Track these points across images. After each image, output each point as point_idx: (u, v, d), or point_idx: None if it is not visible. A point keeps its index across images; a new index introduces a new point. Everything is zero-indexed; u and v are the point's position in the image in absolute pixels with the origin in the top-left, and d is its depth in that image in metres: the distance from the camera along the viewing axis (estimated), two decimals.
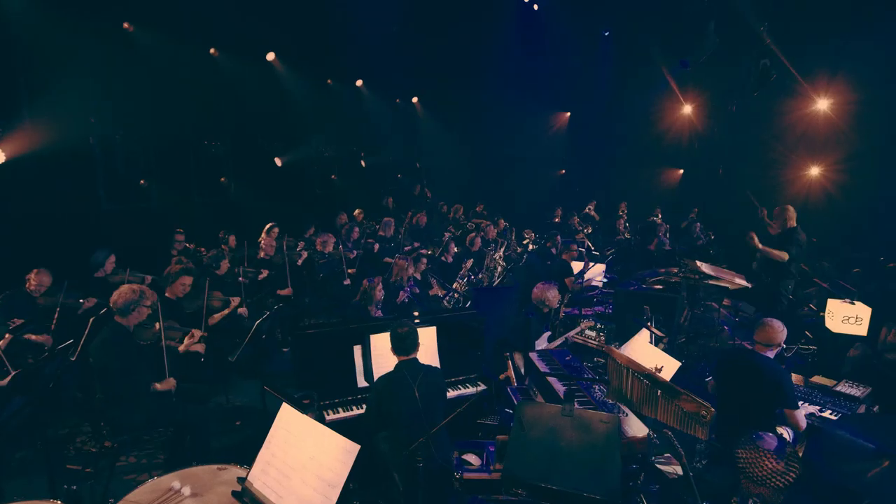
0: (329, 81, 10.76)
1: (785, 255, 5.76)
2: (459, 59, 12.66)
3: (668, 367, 3.36)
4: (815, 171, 10.09)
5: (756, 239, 5.91)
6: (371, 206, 10.95)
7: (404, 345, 3.41)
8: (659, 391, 2.42)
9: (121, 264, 6.03)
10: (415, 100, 13.61)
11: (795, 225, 5.61)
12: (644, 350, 3.59)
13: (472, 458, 2.95)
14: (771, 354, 3.51)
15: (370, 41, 10.64)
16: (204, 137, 8.42)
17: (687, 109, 13.33)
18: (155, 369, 3.83)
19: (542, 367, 3.72)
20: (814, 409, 3.85)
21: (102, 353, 3.58)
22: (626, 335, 4.98)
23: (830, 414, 3.77)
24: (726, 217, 11.17)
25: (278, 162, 9.79)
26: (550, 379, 3.45)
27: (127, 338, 3.70)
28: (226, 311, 5.19)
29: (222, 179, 8.76)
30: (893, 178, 8.41)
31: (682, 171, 14.38)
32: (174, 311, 4.68)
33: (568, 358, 4.27)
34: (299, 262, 6.74)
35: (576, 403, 3.56)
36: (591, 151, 14.35)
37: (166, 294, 4.78)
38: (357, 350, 4.12)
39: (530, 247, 9.59)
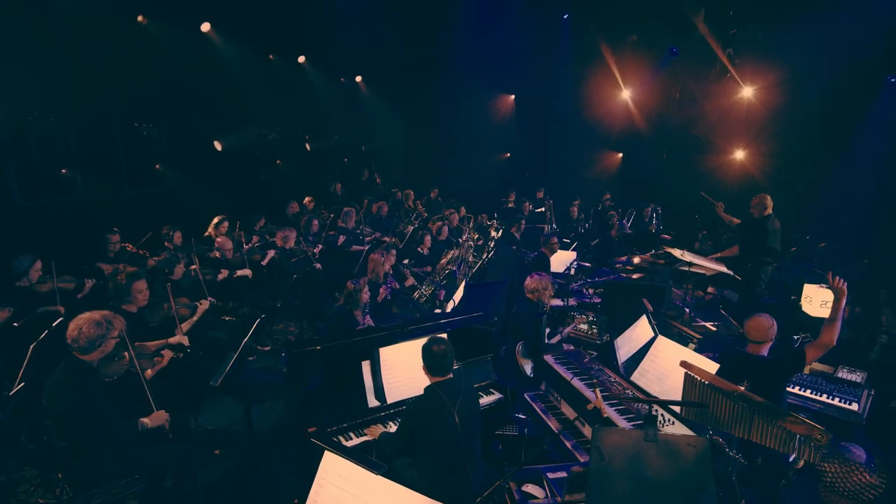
0: (271, 57, 9.82)
1: (736, 220, 6.46)
2: (406, 37, 12.11)
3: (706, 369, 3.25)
4: (749, 155, 10.69)
5: (722, 208, 6.64)
6: (319, 193, 10.28)
7: (442, 364, 3.06)
8: (756, 412, 2.28)
9: (47, 269, 5.11)
10: (358, 79, 12.86)
11: (771, 213, 5.81)
12: (680, 355, 3.48)
13: (534, 490, 2.69)
14: (765, 350, 3.50)
15: (312, 14, 9.82)
16: (133, 118, 7.32)
17: (626, 94, 13.66)
18: (132, 405, 3.20)
19: (586, 391, 3.49)
20: (822, 397, 3.98)
21: (60, 398, 2.89)
22: (618, 327, 4.95)
23: (840, 402, 3.90)
24: (671, 200, 11.62)
25: (218, 146, 8.82)
26: (610, 407, 3.22)
27: (89, 377, 3.01)
28: (195, 319, 4.53)
29: (157, 167, 7.72)
30: (822, 163, 9.07)
31: (621, 155, 14.76)
32: (137, 326, 3.98)
33: (586, 360, 4.12)
34: (264, 261, 6.08)
35: (614, 411, 3.42)
36: (537, 135, 14.36)
37: (123, 308, 4.05)
38: (365, 366, 3.70)
39: (492, 234, 9.41)
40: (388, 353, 3.72)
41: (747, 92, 9.73)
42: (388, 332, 3.95)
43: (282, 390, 5.17)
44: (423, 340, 3.82)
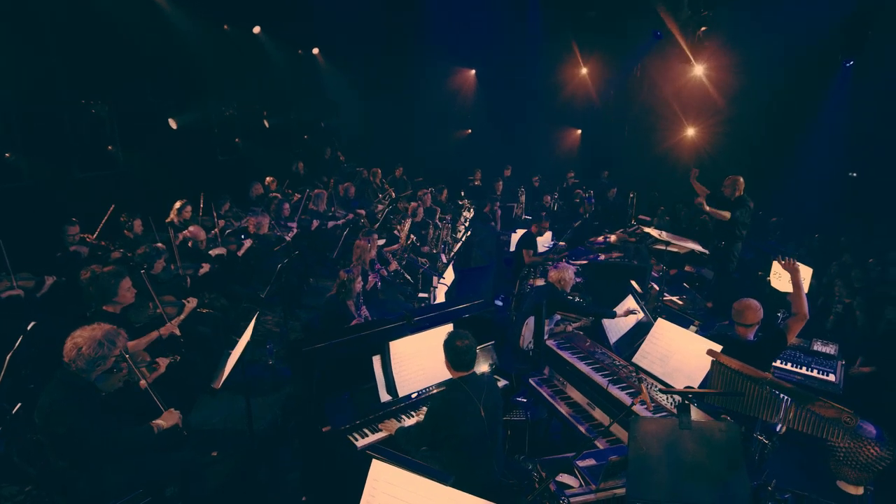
0: (226, 27, 9.18)
1: (706, 190, 6.55)
2: (364, 6, 11.63)
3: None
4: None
5: (696, 174, 6.69)
6: (280, 173, 9.86)
7: (465, 359, 3.03)
8: (786, 397, 2.41)
9: (1, 265, 4.68)
10: (315, 51, 12.28)
11: (743, 194, 6.08)
12: (687, 339, 3.62)
13: (568, 480, 2.75)
14: (751, 334, 3.67)
15: None
16: (81, 95, 6.67)
17: (584, 70, 13.79)
18: (135, 414, 3.00)
19: (606, 384, 3.55)
20: (802, 370, 4.27)
21: (59, 419, 2.66)
22: (605, 306, 5.11)
23: (818, 373, 4.21)
24: (631, 175, 11.96)
25: (173, 124, 8.23)
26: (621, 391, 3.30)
27: (88, 394, 2.79)
28: (181, 318, 4.29)
29: (109, 147, 7.11)
30: (778, 143, 9.58)
31: (580, 132, 14.97)
32: (122, 328, 3.70)
33: (587, 344, 4.21)
34: (240, 252, 5.80)
35: (626, 395, 3.54)
36: (499, 111, 14.30)
37: (105, 309, 3.76)
38: (376, 361, 3.63)
39: (465, 214, 9.37)
40: (398, 347, 3.67)
41: (708, 73, 10.05)
42: (396, 324, 3.88)
43: (271, 384, 5.03)
44: (432, 332, 3.83)
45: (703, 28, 7.81)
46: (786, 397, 2.42)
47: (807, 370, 4.24)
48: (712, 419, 2.93)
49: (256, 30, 10.16)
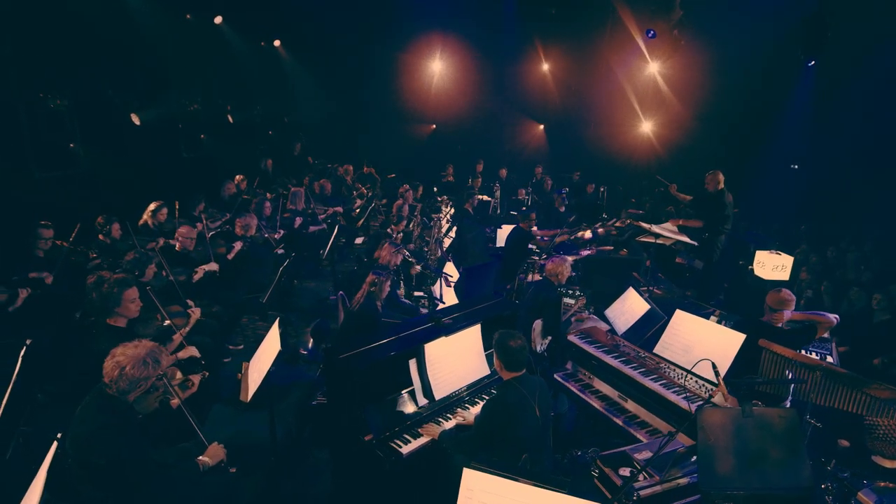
0: (188, 16, 8.65)
1: (687, 197, 7.03)
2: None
3: (733, 342, 3.53)
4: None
5: (675, 188, 7.15)
6: (248, 171, 9.44)
7: (517, 359, 3.01)
8: (840, 382, 2.55)
9: None
10: (277, 43, 11.81)
11: (723, 188, 6.38)
12: (709, 329, 3.74)
13: (627, 472, 2.79)
14: (783, 322, 3.92)
15: None
16: (38, 90, 6.10)
17: (545, 67, 14.04)
18: (173, 436, 2.78)
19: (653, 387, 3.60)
20: (802, 352, 4.53)
21: (99, 449, 2.41)
22: (603, 299, 5.23)
23: (816, 354, 4.48)
24: (602, 172, 12.29)
25: (136, 119, 7.68)
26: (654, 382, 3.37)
27: (130, 419, 2.57)
28: (187, 329, 4.03)
29: (71, 145, 6.54)
30: (743, 138, 10.10)
31: (542, 126, 15.23)
32: None
33: (608, 338, 4.29)
34: (230, 255, 5.49)
35: (660, 385, 3.63)
36: (463, 105, 14.27)
37: (109, 323, 3.46)
38: (412, 365, 3.55)
39: (444, 210, 9.32)
40: (432, 349, 3.60)
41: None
42: (426, 327, 3.80)
43: (279, 392, 4.83)
44: (462, 333, 3.78)
45: (676, 29, 8.13)
46: (841, 382, 2.56)
47: (806, 353, 4.51)
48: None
49: (218, 20, 9.64)
